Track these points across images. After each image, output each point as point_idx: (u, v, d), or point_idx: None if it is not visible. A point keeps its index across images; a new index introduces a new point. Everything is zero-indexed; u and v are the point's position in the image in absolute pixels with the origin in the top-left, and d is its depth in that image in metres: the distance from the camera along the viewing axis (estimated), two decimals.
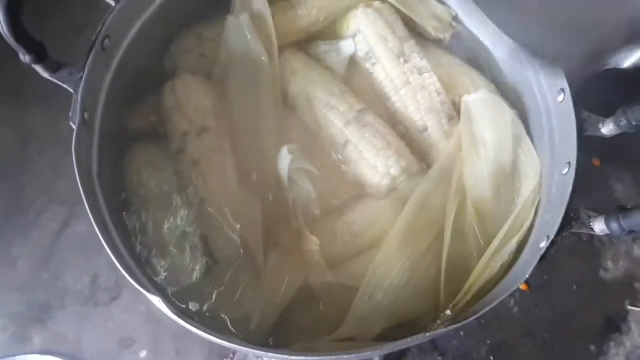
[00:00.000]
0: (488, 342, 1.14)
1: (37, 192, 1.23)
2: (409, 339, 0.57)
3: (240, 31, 0.78)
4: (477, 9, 0.79)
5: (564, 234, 0.62)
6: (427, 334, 0.57)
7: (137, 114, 0.79)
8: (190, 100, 0.77)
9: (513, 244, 0.68)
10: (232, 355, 1.11)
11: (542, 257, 0.61)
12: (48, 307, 1.13)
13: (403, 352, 1.11)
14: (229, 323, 0.68)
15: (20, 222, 1.20)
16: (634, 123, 0.62)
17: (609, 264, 1.22)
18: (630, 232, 0.58)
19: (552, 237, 0.62)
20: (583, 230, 0.62)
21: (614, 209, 0.60)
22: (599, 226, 0.61)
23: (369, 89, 0.84)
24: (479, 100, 0.76)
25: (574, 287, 1.19)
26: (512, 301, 1.18)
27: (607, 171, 1.25)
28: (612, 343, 1.15)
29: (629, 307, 1.14)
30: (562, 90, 0.69)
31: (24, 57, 0.62)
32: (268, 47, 0.79)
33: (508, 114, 0.77)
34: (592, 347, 1.15)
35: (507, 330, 1.15)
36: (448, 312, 0.64)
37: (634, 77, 0.82)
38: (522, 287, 1.18)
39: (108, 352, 1.10)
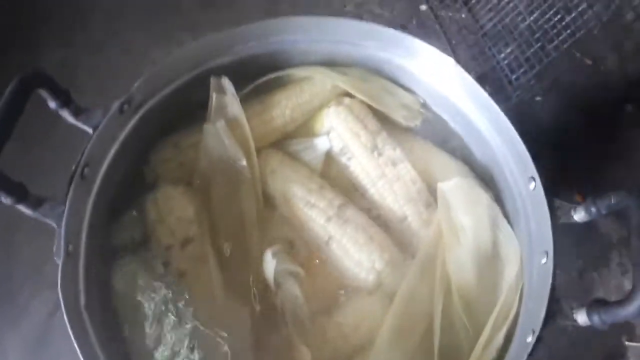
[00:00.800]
0: None
1: (24, 278, 1.22)
2: None
3: (217, 138, 0.79)
4: (443, 96, 0.81)
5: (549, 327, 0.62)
6: None
7: (120, 229, 0.78)
8: (172, 211, 0.77)
9: (501, 337, 0.68)
10: None
11: (530, 354, 0.61)
12: None
13: None
14: None
15: (10, 311, 1.19)
16: (603, 212, 0.65)
17: None
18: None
19: (537, 332, 0.62)
20: (567, 323, 0.63)
21: (594, 303, 0.60)
22: (581, 318, 0.62)
23: (346, 182, 0.86)
24: (453, 186, 0.78)
25: (571, 327, 1.19)
26: None
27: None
28: None
29: (627, 343, 1.15)
30: (533, 178, 0.71)
31: (5, 200, 0.63)
32: (246, 150, 0.80)
33: (484, 198, 0.78)
34: None
35: None
36: None
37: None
38: None
39: None
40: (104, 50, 1.45)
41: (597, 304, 0.60)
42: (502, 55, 1.31)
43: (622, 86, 1.40)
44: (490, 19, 1.32)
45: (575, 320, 0.63)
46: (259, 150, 0.83)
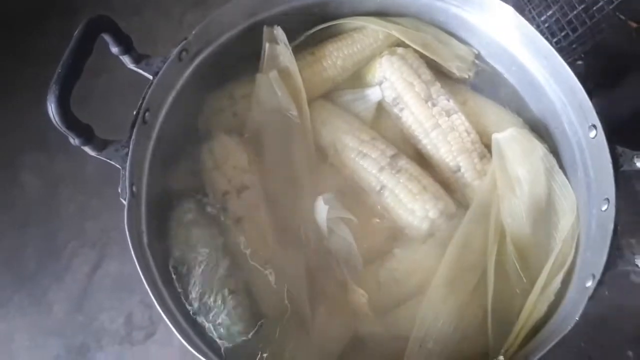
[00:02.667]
0: None
1: (68, 237, 1.25)
2: None
3: (270, 88, 0.80)
4: (500, 45, 0.80)
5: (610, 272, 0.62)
6: None
7: (178, 176, 0.80)
8: (228, 160, 0.78)
9: (558, 282, 0.69)
10: None
11: (591, 297, 0.61)
12: (86, 349, 1.15)
13: None
14: None
15: (54, 267, 1.22)
16: None
17: None
18: None
19: (598, 276, 0.62)
20: (629, 268, 0.63)
21: None
22: None
23: (399, 134, 0.86)
24: (509, 137, 0.77)
25: (606, 292, 1.19)
26: None
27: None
28: None
29: None
30: (594, 126, 0.70)
31: (74, 141, 0.66)
32: (298, 101, 0.81)
33: (539, 149, 0.77)
34: (630, 353, 1.14)
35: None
36: (501, 357, 0.65)
37: None
38: None
39: None
40: (141, 14, 1.46)
41: None
42: (543, 17, 1.26)
43: None
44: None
45: (637, 265, 0.62)
46: (310, 102, 0.83)
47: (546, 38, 1.26)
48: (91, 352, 1.16)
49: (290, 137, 0.80)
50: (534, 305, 0.68)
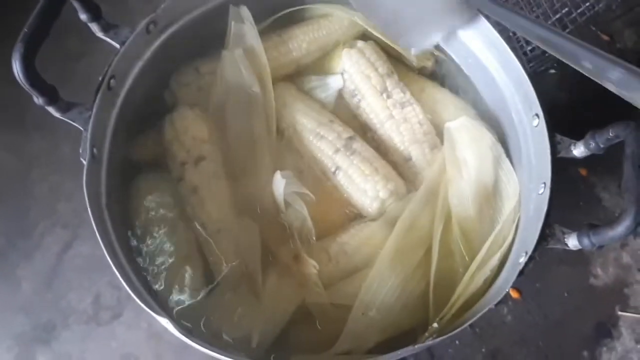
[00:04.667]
0: (483, 350, 1.17)
1: (40, 216, 1.26)
2: (399, 352, 0.61)
3: (235, 65, 0.82)
4: (457, 37, 0.83)
5: (540, 249, 0.65)
6: (416, 346, 0.61)
7: (140, 146, 0.83)
8: (187, 131, 0.81)
9: (495, 260, 0.72)
10: None
11: (521, 272, 0.65)
12: (52, 327, 1.16)
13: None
14: (231, 342, 0.71)
15: (24, 245, 1.23)
16: (601, 145, 0.67)
17: (599, 270, 1.25)
18: (600, 247, 0.62)
19: (529, 252, 0.66)
20: (558, 246, 0.66)
21: (585, 226, 0.64)
22: (572, 242, 0.66)
23: (356, 122, 0.89)
24: (459, 125, 0.82)
25: (565, 294, 1.22)
26: (505, 309, 1.21)
27: (594, 181, 1.29)
28: (604, 349, 1.18)
29: (619, 313, 1.17)
30: (537, 115, 0.74)
31: (38, 100, 0.67)
32: (262, 79, 0.84)
33: (488, 138, 0.81)
34: (585, 353, 1.18)
35: (501, 338, 1.18)
36: (435, 324, 0.68)
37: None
38: (515, 295, 1.21)
39: None
40: None
41: (587, 227, 0.63)
42: None
43: (637, 64, 1.41)
44: None
45: (566, 244, 0.66)
46: (274, 83, 0.86)
47: (520, 46, 1.32)
48: (57, 330, 1.16)
49: (252, 114, 0.83)
50: (471, 279, 0.72)
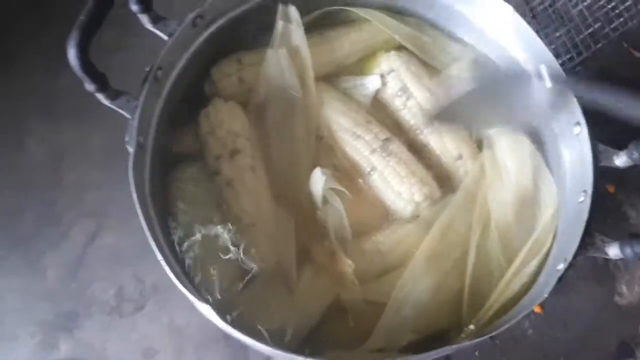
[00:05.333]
0: None
1: (68, 206, 1.27)
2: (432, 352, 0.61)
3: (278, 65, 0.84)
4: (499, 45, 0.84)
5: (580, 257, 0.65)
6: (454, 345, 0.62)
7: (181, 139, 0.84)
8: (222, 124, 0.82)
9: (533, 266, 0.73)
10: None
11: (560, 279, 0.65)
12: (75, 316, 1.17)
13: None
14: (265, 334, 0.72)
15: (51, 233, 1.24)
16: None
17: (624, 289, 1.23)
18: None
19: (569, 260, 0.66)
20: (598, 255, 0.66)
21: (628, 236, 0.63)
22: (613, 251, 0.65)
23: (393, 125, 0.89)
24: (500, 133, 0.82)
25: (589, 311, 1.21)
26: (527, 323, 1.19)
27: (622, 198, 1.28)
28: None
29: None
30: (578, 123, 0.74)
31: (89, 86, 0.69)
32: (304, 81, 0.85)
33: (527, 146, 0.82)
34: None
35: (522, 351, 1.16)
36: (472, 326, 0.68)
37: None
38: (537, 310, 1.20)
39: None
40: None
41: (631, 237, 0.63)
42: (550, 38, 1.31)
43: None
44: (542, 2, 1.31)
45: (606, 253, 0.66)
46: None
47: (557, 55, 1.31)
48: (79, 319, 1.17)
49: (292, 115, 0.84)
50: (507, 284, 0.72)
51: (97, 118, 1.32)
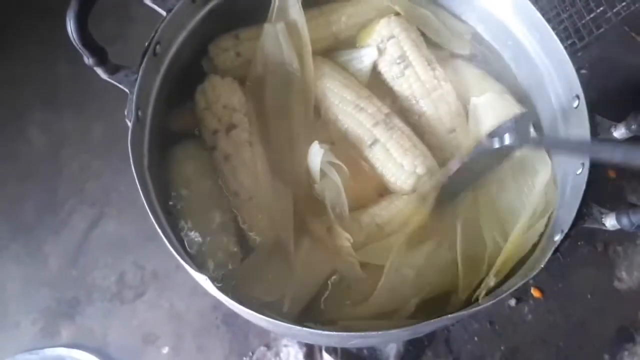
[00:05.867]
0: (502, 348, 1.16)
1: (69, 194, 1.29)
2: (437, 320, 0.61)
3: (276, 39, 0.84)
4: (497, 19, 0.84)
5: (580, 243, 0.65)
6: (451, 315, 0.61)
7: (178, 116, 0.84)
8: (219, 99, 0.82)
9: (542, 225, 0.73)
10: (251, 354, 1.14)
11: (556, 250, 0.65)
12: (76, 303, 1.18)
13: (419, 354, 1.13)
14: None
15: (52, 221, 1.25)
16: None
17: (624, 274, 1.24)
18: (638, 227, 0.61)
19: (565, 230, 0.66)
20: (595, 225, 0.66)
21: (624, 205, 0.63)
22: (610, 221, 0.66)
23: (389, 100, 0.89)
24: (484, 101, 0.83)
25: (589, 296, 1.21)
26: (526, 308, 1.20)
27: (623, 183, 1.28)
28: (625, 353, 1.17)
29: None
30: (577, 96, 0.74)
31: (88, 60, 0.69)
32: (302, 55, 0.84)
33: (514, 109, 0.82)
34: (606, 356, 1.17)
35: (521, 336, 1.17)
36: (491, 281, 0.70)
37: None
38: (537, 294, 1.20)
39: (132, 347, 1.15)
40: None
41: (626, 206, 0.63)
42: (552, 24, 1.29)
43: None
44: None
45: (603, 224, 0.66)
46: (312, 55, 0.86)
47: None
48: (81, 306, 1.18)
49: (289, 89, 0.84)
50: (517, 245, 0.73)
51: (97, 108, 1.34)
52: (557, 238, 0.66)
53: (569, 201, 0.70)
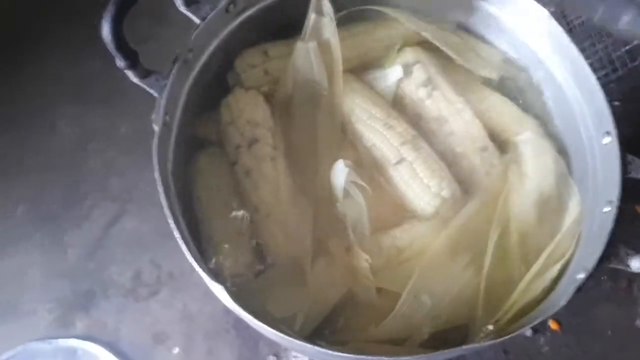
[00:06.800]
0: None
1: (92, 188, 1.29)
2: (447, 351, 0.60)
3: (307, 58, 0.84)
4: (529, 47, 0.83)
5: (603, 278, 0.64)
6: (464, 347, 0.60)
7: (204, 124, 0.85)
8: (242, 114, 0.82)
9: (555, 270, 0.72)
10: None
11: (579, 289, 0.63)
12: (92, 296, 1.19)
13: None
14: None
15: (74, 213, 1.26)
16: None
17: None
18: None
19: (590, 269, 0.64)
20: (620, 266, 0.64)
21: None
22: (636, 264, 0.64)
23: (415, 115, 0.89)
24: (526, 139, 0.82)
25: (609, 332, 1.17)
26: (542, 339, 1.17)
27: None
28: None
29: None
30: (608, 133, 0.72)
31: (120, 63, 0.70)
32: (331, 76, 0.85)
33: (550, 154, 0.81)
34: None
35: None
36: (490, 326, 0.68)
37: None
38: (554, 327, 1.17)
39: (143, 345, 1.14)
40: None
41: None
42: (586, 53, 1.27)
43: None
44: (579, 17, 1.30)
45: (628, 265, 0.64)
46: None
47: None
48: (96, 299, 1.19)
49: (317, 107, 0.84)
50: (528, 286, 0.71)
51: (125, 106, 1.36)
52: (581, 276, 0.65)
53: (594, 239, 0.68)
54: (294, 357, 1.13)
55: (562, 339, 1.18)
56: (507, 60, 0.91)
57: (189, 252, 0.64)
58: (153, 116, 0.69)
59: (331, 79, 0.84)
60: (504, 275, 0.74)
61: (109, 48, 0.66)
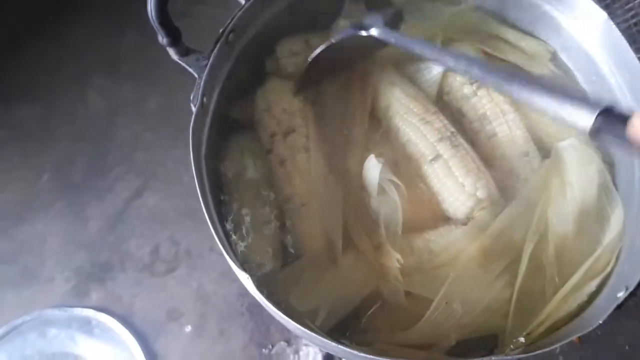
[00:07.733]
0: None
1: (117, 161, 1.30)
2: (491, 358, 0.59)
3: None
4: (583, 50, 0.80)
5: None
6: (492, 358, 0.58)
7: (241, 107, 0.84)
8: (279, 103, 0.81)
9: (593, 285, 0.69)
10: (270, 347, 1.14)
11: (619, 307, 0.61)
12: (109, 268, 1.19)
13: None
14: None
15: (97, 185, 1.27)
16: None
17: None
18: None
19: (631, 288, 0.62)
20: None
21: None
22: None
23: (455, 111, 0.86)
24: (569, 146, 0.79)
25: (627, 347, 1.15)
26: (558, 349, 1.15)
27: None
28: None
29: None
30: None
31: (162, 39, 0.69)
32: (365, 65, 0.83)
33: (595, 162, 0.78)
34: None
35: None
36: (522, 339, 0.66)
37: None
38: (574, 339, 1.15)
39: (156, 320, 1.15)
40: None
41: None
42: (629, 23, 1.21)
43: None
44: (626, 20, 1.25)
45: None
46: (379, 65, 0.85)
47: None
48: (113, 272, 1.19)
49: (350, 99, 0.83)
50: (563, 300, 0.69)
51: (156, 81, 1.35)
52: (621, 295, 0.62)
53: (636, 256, 0.66)
54: (305, 345, 1.13)
55: (579, 352, 1.16)
56: (556, 59, 0.88)
57: (218, 238, 0.63)
58: (192, 96, 0.68)
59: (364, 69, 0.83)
60: (537, 287, 0.72)
61: (152, 23, 0.64)
